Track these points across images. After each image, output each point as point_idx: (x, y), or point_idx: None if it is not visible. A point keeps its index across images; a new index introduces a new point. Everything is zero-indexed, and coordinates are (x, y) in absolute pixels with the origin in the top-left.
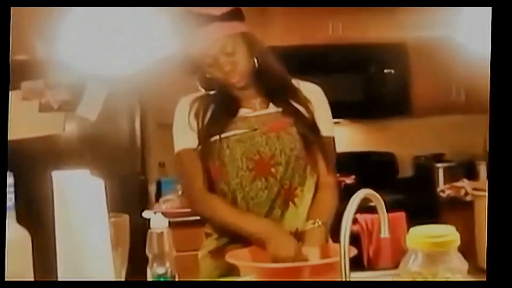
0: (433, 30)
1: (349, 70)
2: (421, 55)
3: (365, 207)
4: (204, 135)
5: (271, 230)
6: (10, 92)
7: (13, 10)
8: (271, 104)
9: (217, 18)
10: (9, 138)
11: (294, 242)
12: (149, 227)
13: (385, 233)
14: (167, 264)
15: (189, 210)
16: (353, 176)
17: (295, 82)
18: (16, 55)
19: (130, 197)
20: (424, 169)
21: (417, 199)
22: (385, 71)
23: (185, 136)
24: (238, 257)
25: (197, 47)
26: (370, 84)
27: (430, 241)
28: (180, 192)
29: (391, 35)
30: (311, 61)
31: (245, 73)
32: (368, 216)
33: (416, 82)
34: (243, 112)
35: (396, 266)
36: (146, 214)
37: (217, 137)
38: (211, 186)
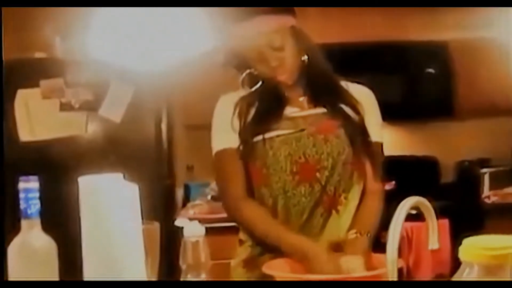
0: (477, 30)
1: (388, 70)
2: (464, 55)
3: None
4: (247, 135)
5: (307, 250)
6: (25, 91)
7: (33, 9)
8: (319, 104)
9: (266, 10)
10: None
11: (332, 260)
12: (178, 235)
13: (433, 244)
14: (203, 275)
15: (218, 216)
16: (393, 182)
17: (344, 83)
18: (36, 53)
19: (156, 202)
20: (468, 175)
21: (461, 206)
22: (427, 71)
23: (226, 136)
24: (276, 267)
25: (241, 41)
26: (411, 85)
27: (488, 254)
28: (209, 197)
29: (431, 34)
30: (348, 60)
31: (293, 70)
32: (407, 224)
33: (460, 84)
34: (289, 111)
35: (436, 277)
36: (179, 222)
37: (260, 137)
38: (251, 190)
